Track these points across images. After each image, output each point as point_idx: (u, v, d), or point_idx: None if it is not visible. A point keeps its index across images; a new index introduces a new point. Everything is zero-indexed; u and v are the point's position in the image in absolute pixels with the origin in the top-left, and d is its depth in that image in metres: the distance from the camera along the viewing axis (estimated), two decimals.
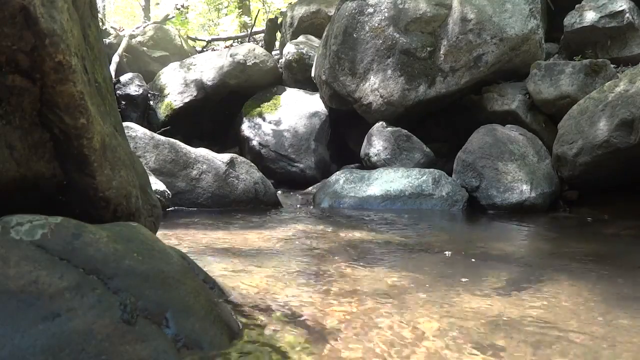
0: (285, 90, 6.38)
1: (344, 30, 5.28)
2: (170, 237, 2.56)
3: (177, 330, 1.04)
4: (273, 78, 6.59)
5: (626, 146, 3.63)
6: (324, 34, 5.81)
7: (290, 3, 9.32)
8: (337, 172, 4.67)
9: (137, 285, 1.06)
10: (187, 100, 6.35)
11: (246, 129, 5.95)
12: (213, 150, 4.32)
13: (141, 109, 6.43)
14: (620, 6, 4.98)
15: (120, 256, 1.09)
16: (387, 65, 5.09)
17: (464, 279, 2.00)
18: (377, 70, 5.14)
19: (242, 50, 6.54)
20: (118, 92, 6.24)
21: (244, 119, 6.05)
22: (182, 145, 3.99)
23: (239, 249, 2.43)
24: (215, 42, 9.99)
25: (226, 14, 13.19)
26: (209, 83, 6.34)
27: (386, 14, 5.12)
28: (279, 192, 4.71)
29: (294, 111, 5.95)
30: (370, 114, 5.21)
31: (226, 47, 8.25)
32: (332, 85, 5.45)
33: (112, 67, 6.69)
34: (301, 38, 7.17)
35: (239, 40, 9.62)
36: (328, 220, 3.55)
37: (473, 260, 2.41)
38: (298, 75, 6.58)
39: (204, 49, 9.33)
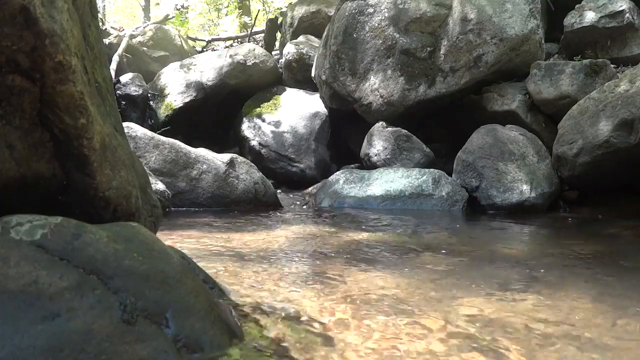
0: (285, 90, 6.38)
1: (344, 30, 5.28)
2: (171, 237, 2.56)
3: (177, 330, 1.04)
4: (273, 78, 6.59)
5: (626, 146, 3.63)
6: (324, 34, 5.81)
7: (290, 3, 9.32)
8: (337, 172, 4.67)
9: (137, 285, 1.06)
10: (187, 100, 6.35)
11: (246, 129, 5.95)
12: (213, 150, 4.32)
13: (141, 109, 6.43)
14: (620, 6, 4.97)
15: (120, 256, 1.09)
16: (387, 65, 5.09)
17: (465, 280, 2.00)
18: (377, 70, 5.13)
19: (242, 51, 6.54)
20: (118, 92, 6.25)
21: (244, 119, 6.05)
22: (182, 145, 3.99)
23: (239, 249, 2.43)
24: (215, 42, 9.99)
25: (226, 14, 13.19)
26: (209, 83, 6.34)
27: (386, 14, 5.12)
28: (279, 192, 4.71)
29: (294, 111, 5.95)
30: (370, 114, 5.21)
31: (226, 47, 8.26)
32: (332, 85, 5.45)
33: (112, 67, 6.69)
34: (301, 38, 7.17)
35: (239, 40, 9.62)
36: (328, 221, 3.55)
37: (474, 261, 2.41)
38: (298, 75, 6.58)
39: (204, 49, 9.33)
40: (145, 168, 1.98)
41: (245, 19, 11.24)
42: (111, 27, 9.04)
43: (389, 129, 4.89)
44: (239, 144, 6.12)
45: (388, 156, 4.77)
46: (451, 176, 4.33)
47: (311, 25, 7.51)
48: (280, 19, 8.55)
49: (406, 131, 4.85)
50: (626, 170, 3.83)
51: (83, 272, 1.02)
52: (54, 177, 1.19)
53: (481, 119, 4.73)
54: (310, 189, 5.13)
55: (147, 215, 1.51)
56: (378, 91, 5.11)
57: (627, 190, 3.96)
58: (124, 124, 3.00)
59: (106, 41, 7.45)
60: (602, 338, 1.40)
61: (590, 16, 5.07)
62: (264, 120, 5.95)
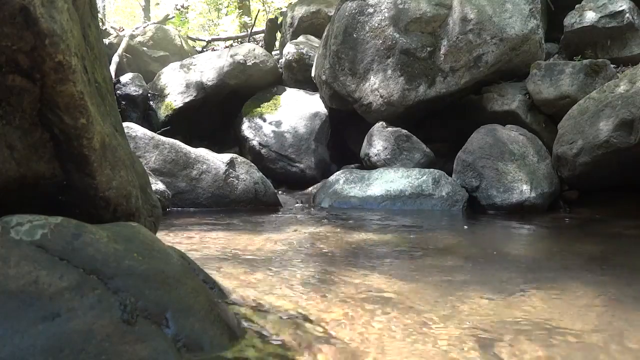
0: (285, 90, 6.38)
1: (344, 30, 5.28)
2: (170, 238, 2.56)
3: (177, 330, 1.04)
4: (273, 78, 6.59)
5: (626, 146, 3.63)
6: (324, 34, 5.81)
7: (290, 3, 9.32)
8: (337, 172, 4.67)
9: (137, 285, 1.06)
10: (187, 100, 6.35)
11: (246, 129, 5.95)
12: (213, 150, 4.32)
13: (141, 109, 6.43)
14: (620, 6, 4.98)
15: (120, 256, 1.09)
16: (387, 65, 5.09)
17: (466, 280, 2.00)
18: (377, 70, 5.13)
19: (242, 51, 6.54)
20: (118, 92, 6.24)
21: (244, 119, 6.05)
22: (182, 145, 3.99)
23: (238, 249, 2.43)
24: (215, 42, 9.98)
25: (226, 14, 13.19)
26: (209, 83, 6.34)
27: (386, 14, 5.12)
28: (279, 192, 4.71)
29: (294, 111, 5.95)
30: (370, 114, 5.21)
31: (226, 47, 8.25)
32: (332, 85, 5.45)
33: (112, 67, 6.69)
34: (301, 38, 7.17)
35: (239, 40, 9.62)
36: (328, 221, 3.55)
37: (475, 261, 2.41)
38: (298, 75, 6.58)
39: (204, 49, 9.33)
40: (145, 168, 1.98)
41: (245, 19, 11.24)
42: (111, 27, 9.04)
43: (389, 129, 4.89)
44: (239, 144, 6.12)
45: (388, 156, 4.77)
46: (451, 176, 4.33)
47: (311, 25, 7.51)
48: (280, 19, 8.55)
49: (406, 131, 4.85)
50: (626, 170, 3.83)
51: (83, 272, 1.02)
52: (54, 177, 1.19)
53: (481, 119, 4.73)
54: (310, 189, 5.13)
55: (147, 215, 1.51)
56: (378, 91, 5.11)
57: (627, 190, 3.96)
58: (124, 124, 3.00)
59: (106, 41, 7.45)
60: (606, 340, 1.40)
61: (590, 16, 5.07)
62: (264, 120, 5.95)
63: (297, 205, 4.46)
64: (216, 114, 6.51)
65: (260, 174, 4.20)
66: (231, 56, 6.45)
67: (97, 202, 1.25)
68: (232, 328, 1.20)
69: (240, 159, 4.19)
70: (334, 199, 4.28)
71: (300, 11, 7.66)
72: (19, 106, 1.09)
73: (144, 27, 8.35)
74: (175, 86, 6.45)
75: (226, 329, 1.16)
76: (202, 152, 4.04)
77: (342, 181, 4.41)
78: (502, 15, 4.87)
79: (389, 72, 5.08)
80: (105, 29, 8.50)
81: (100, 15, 7.01)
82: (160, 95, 6.49)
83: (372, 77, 5.16)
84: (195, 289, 1.17)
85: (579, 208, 4.10)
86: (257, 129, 5.89)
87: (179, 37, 8.49)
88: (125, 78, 6.52)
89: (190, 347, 1.03)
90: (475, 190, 4.20)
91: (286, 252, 2.45)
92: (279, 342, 1.23)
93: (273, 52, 7.77)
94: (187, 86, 6.40)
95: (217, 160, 4.02)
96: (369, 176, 4.40)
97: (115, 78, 6.37)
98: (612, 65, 4.61)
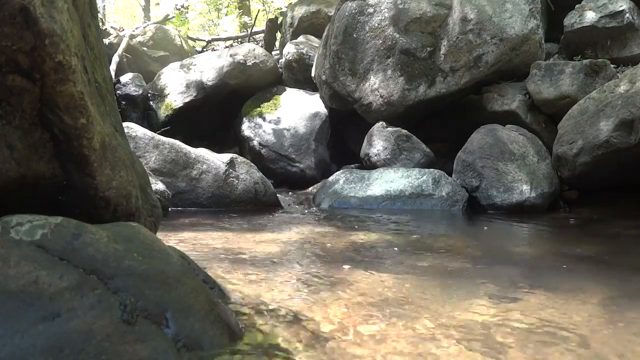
0: (285, 90, 6.38)
1: (344, 30, 5.28)
2: (170, 238, 2.56)
3: (177, 330, 1.04)
4: (273, 78, 6.59)
5: (626, 146, 3.63)
6: (324, 34, 5.81)
7: (290, 3, 9.32)
8: (337, 172, 4.67)
9: (137, 286, 1.06)
10: (187, 100, 6.35)
11: (246, 129, 5.95)
12: (213, 150, 4.32)
13: (141, 109, 6.43)
14: (620, 6, 4.97)
15: (120, 256, 1.09)
16: (387, 65, 5.09)
17: (467, 281, 2.00)
18: (377, 70, 5.13)
19: (242, 51, 6.54)
20: (118, 92, 6.24)
21: (244, 119, 6.05)
22: (182, 145, 3.99)
23: (239, 249, 2.43)
24: (215, 42, 9.99)
25: (226, 14, 13.19)
26: (209, 83, 6.34)
27: (386, 14, 5.12)
28: (279, 192, 4.71)
29: (294, 111, 5.95)
30: (370, 114, 5.21)
31: (226, 47, 8.25)
32: (332, 85, 5.45)
33: (112, 67, 6.69)
34: (301, 38, 7.17)
35: (239, 40, 9.62)
36: (328, 221, 3.55)
37: (475, 261, 2.41)
38: (298, 75, 6.58)
39: (204, 49, 9.33)
40: (145, 168, 1.98)
41: (245, 19, 11.24)
42: (111, 27, 9.05)
43: (389, 129, 4.89)
44: (239, 144, 6.12)
45: (388, 156, 4.77)
46: (451, 176, 4.33)
47: (311, 25, 7.51)
48: (280, 19, 8.55)
49: (406, 131, 4.85)
50: (626, 170, 3.82)
51: (83, 272, 1.02)
52: (54, 177, 1.19)
53: (481, 119, 4.73)
54: (310, 189, 5.12)
55: (147, 215, 1.51)
56: (378, 91, 5.11)
57: (627, 190, 3.96)
58: (124, 124, 3.00)
59: (106, 41, 7.45)
60: (606, 341, 1.39)
61: (590, 16, 5.07)
62: (264, 120, 5.95)
63: (297, 205, 4.46)
64: (216, 114, 6.51)
65: (260, 174, 4.20)
66: (231, 56, 6.45)
67: (97, 202, 1.25)
68: (232, 328, 1.20)
69: (240, 159, 4.19)
70: (334, 199, 4.28)
71: (300, 11, 7.66)
72: (19, 106, 1.09)
73: (144, 27, 8.36)
74: (175, 86, 6.45)
75: (226, 328, 1.16)
76: (202, 152, 4.04)
77: (342, 181, 4.41)
78: (502, 15, 4.87)
79: (389, 72, 5.08)
80: (105, 29, 8.50)
81: (100, 15, 7.01)
82: (160, 95, 6.49)
83: (372, 77, 5.16)
84: (195, 289, 1.17)
85: (579, 208, 4.10)
86: (257, 129, 5.90)
87: (179, 37, 8.49)
88: (125, 78, 6.52)
89: (190, 347, 1.03)
90: (475, 190, 4.19)
91: (286, 252, 2.45)
92: (279, 342, 1.23)
93: (273, 52, 7.77)
94: (187, 86, 6.40)
95: (217, 160, 4.02)
96: (369, 176, 4.40)
97: (115, 78, 6.37)
98: (612, 65, 4.61)
